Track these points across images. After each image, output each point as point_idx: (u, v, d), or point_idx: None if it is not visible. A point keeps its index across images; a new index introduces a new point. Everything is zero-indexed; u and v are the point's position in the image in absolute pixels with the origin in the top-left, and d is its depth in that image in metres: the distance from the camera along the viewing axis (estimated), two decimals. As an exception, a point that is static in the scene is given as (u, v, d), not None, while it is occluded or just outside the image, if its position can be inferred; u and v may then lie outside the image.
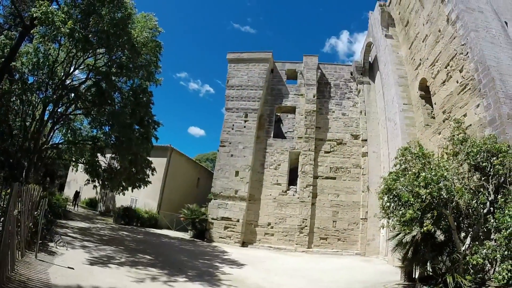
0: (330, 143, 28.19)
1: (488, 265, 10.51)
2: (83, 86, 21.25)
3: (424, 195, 10.10)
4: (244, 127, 27.75)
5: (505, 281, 9.63)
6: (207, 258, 16.84)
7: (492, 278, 9.75)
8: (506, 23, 18.73)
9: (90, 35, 17.68)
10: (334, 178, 27.06)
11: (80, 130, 24.56)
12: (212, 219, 25.54)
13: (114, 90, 20.48)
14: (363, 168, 27.14)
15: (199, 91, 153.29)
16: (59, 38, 17.68)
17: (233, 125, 28.00)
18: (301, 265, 18.41)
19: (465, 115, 15.92)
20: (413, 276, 13.21)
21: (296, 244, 24.76)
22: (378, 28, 25.52)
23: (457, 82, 16.77)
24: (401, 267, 13.95)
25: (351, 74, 31.13)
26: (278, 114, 34.25)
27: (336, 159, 27.72)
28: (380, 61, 26.04)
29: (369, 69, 30.51)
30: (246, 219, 25.90)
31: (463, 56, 16.25)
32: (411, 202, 10.39)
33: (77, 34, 16.31)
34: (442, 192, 10.11)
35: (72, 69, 19.80)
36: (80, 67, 20.30)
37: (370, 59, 30.75)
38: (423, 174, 10.42)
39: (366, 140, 27.80)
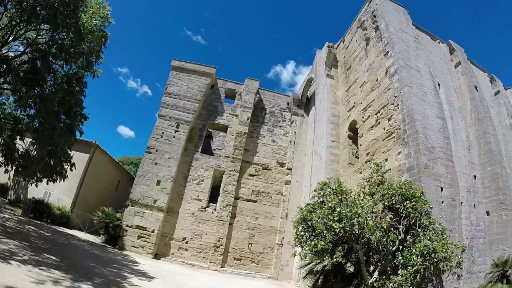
0: (256, 167, 28.57)
1: None
2: (18, 60, 18.86)
3: (338, 229, 10.63)
4: (174, 137, 26.37)
5: None
6: (116, 267, 15.58)
7: None
8: (438, 84, 21.72)
9: (38, 7, 16.22)
10: (255, 201, 27.36)
11: (4, 105, 21.01)
12: (127, 226, 23.17)
13: (49, 72, 18.16)
14: (284, 195, 27.97)
15: (136, 91, 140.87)
16: (6, 2, 16.29)
17: (163, 133, 26.36)
18: (213, 284, 17.79)
19: (386, 160, 17.51)
20: None
21: (210, 262, 23.94)
22: (322, 67, 27.15)
23: (384, 129, 18.47)
24: None
25: (288, 104, 32.51)
26: (210, 130, 33.60)
27: (259, 183, 28.07)
28: (318, 97, 27.52)
29: (305, 103, 32.19)
30: (162, 230, 24.24)
31: (393, 106, 18.03)
32: (324, 234, 10.85)
33: (25, 3, 15.33)
34: (354, 228, 10.74)
35: (11, 38, 18.09)
36: (20, 39, 18.82)
37: (308, 94, 32.45)
38: (339, 209, 11.01)
39: (291, 169, 28.88)
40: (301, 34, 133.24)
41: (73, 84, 19.27)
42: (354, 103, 22.63)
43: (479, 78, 27.63)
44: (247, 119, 28.80)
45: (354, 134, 22.45)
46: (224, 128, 29.85)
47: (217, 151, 33.35)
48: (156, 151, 25.64)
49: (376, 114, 19.60)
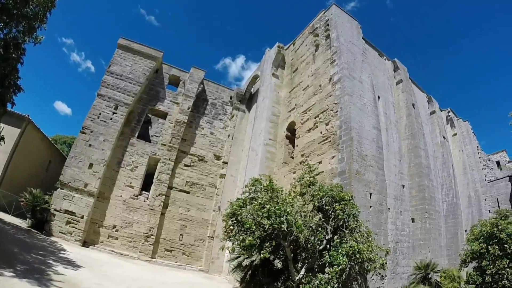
0: (192, 158, 28.21)
1: None
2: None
3: (266, 225, 10.89)
4: (111, 119, 24.89)
5: None
6: (42, 254, 14.76)
7: None
8: (379, 97, 22.85)
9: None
10: (188, 193, 26.99)
11: None
12: (55, 210, 21.43)
13: (-14, 34, 16.40)
14: (218, 189, 27.92)
15: (79, 65, 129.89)
16: None
17: (100, 114, 24.73)
18: (142, 275, 17.19)
19: (320, 162, 18.12)
20: None
21: (140, 252, 23.11)
22: (269, 66, 27.53)
23: (321, 133, 19.13)
24: None
25: (231, 98, 32.53)
26: (149, 116, 32.35)
27: (194, 174, 27.73)
28: (261, 95, 27.89)
29: (248, 99, 32.45)
30: (92, 217, 22.87)
31: (333, 112, 18.75)
32: (253, 229, 11.08)
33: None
34: (283, 225, 11.08)
35: None
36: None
37: (252, 90, 32.73)
38: (268, 206, 11.28)
39: (227, 163, 28.96)
40: (255, 30, 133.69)
41: (11, 50, 17.82)
42: (296, 104, 23.29)
43: (417, 97, 29.67)
44: (188, 109, 28.43)
45: (292, 134, 23.09)
46: (163, 115, 29.15)
47: (154, 138, 32.49)
48: (91, 132, 24.14)
49: (315, 118, 20.30)
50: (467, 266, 18.42)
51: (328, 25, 22.89)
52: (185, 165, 27.65)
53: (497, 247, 15.38)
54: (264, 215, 11.10)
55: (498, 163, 44.19)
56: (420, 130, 25.37)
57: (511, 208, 30.79)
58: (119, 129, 25.02)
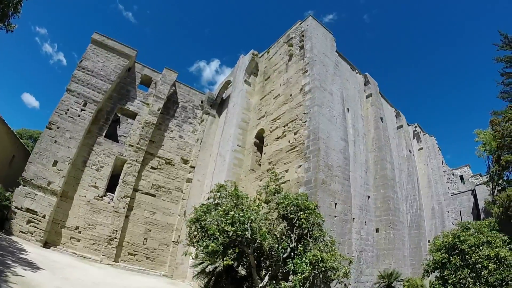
0: (159, 160, 27.76)
1: None
2: None
3: (230, 232, 10.87)
4: (79, 115, 24.04)
5: None
6: (0, 254, 14.14)
7: None
8: (348, 109, 23.30)
9: None
10: (154, 196, 26.46)
11: None
12: (16, 208, 20.31)
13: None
14: (184, 193, 27.56)
15: (50, 57, 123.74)
16: None
17: (68, 109, 23.83)
18: (104, 279, 16.72)
19: (287, 171, 18.30)
20: None
21: (103, 255, 22.34)
22: (242, 72, 27.63)
23: (289, 141, 19.35)
24: None
25: (202, 102, 32.34)
26: (119, 115, 31.51)
27: (160, 178, 27.27)
28: (232, 100, 27.95)
29: (219, 104, 32.38)
30: (54, 217, 21.89)
31: (302, 122, 19.02)
32: (217, 236, 11.02)
33: None
34: (246, 232, 11.10)
35: None
36: None
37: (224, 95, 32.74)
38: (232, 213, 11.31)
39: (194, 167, 28.67)
40: (233, 35, 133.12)
41: (-19, 36, 16.91)
42: (266, 112, 23.52)
43: (386, 112, 30.59)
44: (158, 110, 27.97)
45: (260, 142, 23.29)
46: (133, 115, 28.51)
47: (122, 138, 31.70)
48: (58, 128, 23.17)
49: (284, 127, 20.54)
50: (429, 276, 18.97)
51: (303, 36, 23.30)
52: (152, 168, 27.19)
53: (458, 257, 15.96)
54: (228, 221, 11.08)
55: (461, 177, 45.87)
56: (387, 143, 26.13)
57: (473, 220, 32.00)
58: (87, 127, 24.26)
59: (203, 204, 12.87)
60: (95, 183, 24.13)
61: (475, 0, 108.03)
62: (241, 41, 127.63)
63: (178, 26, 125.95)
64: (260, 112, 24.35)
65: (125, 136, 31.56)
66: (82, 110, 24.38)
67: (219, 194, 13.00)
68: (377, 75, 47.51)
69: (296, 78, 21.78)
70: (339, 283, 13.13)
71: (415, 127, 38.01)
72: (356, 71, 28.90)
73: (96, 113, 25.32)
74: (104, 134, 26.14)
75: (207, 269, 13.85)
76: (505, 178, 25.63)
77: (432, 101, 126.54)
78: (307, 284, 11.67)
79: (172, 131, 29.57)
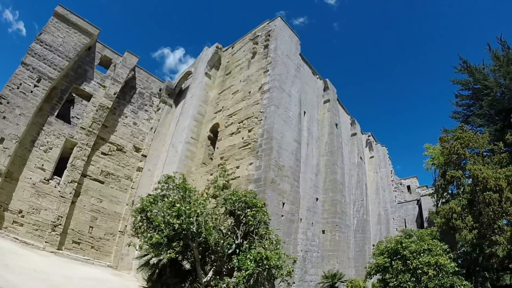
0: (111, 146, 26.62)
1: None
2: None
3: (176, 225, 10.76)
4: (31, 92, 22.31)
5: None
6: None
7: None
8: (304, 112, 23.65)
9: None
10: (103, 183, 25.33)
11: None
12: None
13: None
14: (134, 182, 26.69)
15: (9, 25, 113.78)
16: None
17: (20, 84, 22.00)
18: (46, 268, 15.81)
19: (238, 167, 18.36)
20: None
21: (46, 242, 20.96)
22: (204, 64, 27.27)
23: (243, 138, 19.41)
24: (147, 287, 13.80)
25: (160, 90, 31.45)
26: (73, 95, 29.76)
27: (110, 164, 26.18)
28: (190, 92, 27.51)
29: (177, 94, 31.69)
30: None
31: (257, 120, 19.14)
32: (162, 227, 10.87)
33: None
34: (192, 226, 11.03)
35: None
36: None
37: (183, 86, 32.05)
38: (178, 205, 11.22)
39: (146, 156, 27.87)
40: (201, 26, 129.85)
41: None
42: (223, 107, 23.44)
43: (342, 118, 31.55)
44: (114, 94, 26.81)
45: (214, 136, 23.13)
46: (88, 97, 27.07)
47: (75, 120, 30.16)
48: (8, 103, 21.51)
49: (239, 123, 20.58)
50: (372, 278, 19.79)
51: (269, 35, 23.41)
52: (103, 153, 26.08)
53: (400, 262, 16.77)
54: (174, 214, 10.93)
55: (409, 187, 48.34)
56: (340, 149, 26.93)
57: (417, 228, 33.74)
58: (39, 105, 22.66)
59: (150, 195, 12.61)
60: (42, 165, 22.64)
61: (436, 24, 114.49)
62: (209, 33, 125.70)
63: (148, 9, 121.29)
64: (217, 106, 24.19)
65: (78, 118, 29.91)
66: (35, 86, 22.76)
67: (167, 185, 12.81)
68: (337, 82, 49.00)
69: (257, 76, 21.86)
70: (283, 281, 13.33)
71: (369, 136, 39.52)
72: (317, 76, 29.50)
73: (50, 90, 23.75)
74: (56, 113, 24.62)
75: (151, 262, 13.57)
76: (449, 191, 27.11)
77: (388, 114, 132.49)
78: (251, 281, 11.78)
79: (126, 117, 28.55)
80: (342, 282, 20.12)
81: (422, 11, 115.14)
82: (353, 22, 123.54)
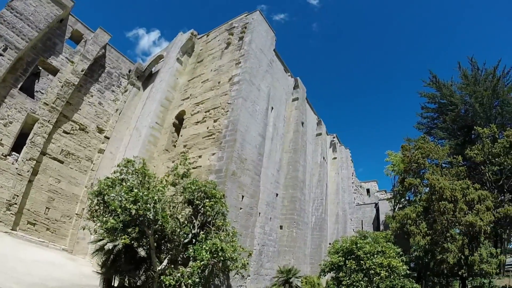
0: (73, 125, 25.47)
1: (184, 287, 11.62)
2: None
3: (132, 210, 10.50)
4: None
5: None
6: None
7: None
8: (272, 108, 23.68)
9: None
10: (62, 162, 24.22)
11: None
12: None
13: None
14: (94, 164, 25.78)
15: None
16: None
17: None
18: None
19: (200, 157, 18.23)
20: (112, 284, 12.98)
21: (0, 221, 19.67)
22: (177, 49, 26.67)
23: (208, 128, 19.29)
24: (101, 273, 13.36)
25: (129, 72, 30.47)
26: (40, 68, 28.11)
27: (72, 144, 25.04)
28: (160, 76, 26.93)
29: (147, 77, 30.82)
30: None
31: (223, 111, 19.05)
32: (118, 212, 10.55)
33: None
34: (148, 213, 10.76)
35: None
36: None
37: (153, 69, 31.22)
38: (136, 190, 10.90)
39: (109, 138, 26.97)
40: (180, 10, 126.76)
41: None
42: (191, 95, 23.14)
43: (309, 118, 31.99)
44: (82, 71, 25.65)
45: (179, 123, 22.81)
46: (54, 71, 25.59)
47: (38, 95, 28.51)
48: None
49: (205, 112, 20.43)
50: (326, 275, 20.23)
51: (245, 28, 23.27)
52: (65, 132, 24.95)
53: (354, 262, 17.23)
54: (131, 199, 10.60)
55: (368, 190, 49.98)
56: (304, 147, 27.34)
57: (373, 230, 34.94)
58: (2, 75, 21.15)
59: (108, 178, 12.17)
60: (1, 140, 21.19)
61: (411, 37, 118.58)
62: (187, 18, 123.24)
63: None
64: (185, 93, 23.81)
65: (42, 93, 28.20)
66: (0, 55, 21.38)
67: (126, 169, 12.42)
68: (308, 82, 49.58)
69: (228, 67, 21.71)
70: (238, 273, 13.38)
71: (334, 137, 40.39)
72: (289, 73, 29.68)
73: (15, 61, 22.19)
74: (19, 86, 23.11)
75: (106, 247, 13.12)
76: (407, 198, 28.22)
77: (355, 117, 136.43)
78: (206, 271, 11.79)
79: (92, 96, 27.42)
80: (296, 277, 20.42)
81: (401, 22, 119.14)
82: (332, 24, 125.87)
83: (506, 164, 23.12)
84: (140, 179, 12.20)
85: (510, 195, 26.04)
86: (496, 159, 23.67)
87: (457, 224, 19.76)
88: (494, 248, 21.86)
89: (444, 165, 26.12)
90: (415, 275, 22.54)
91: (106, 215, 11.06)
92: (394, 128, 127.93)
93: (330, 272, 19.50)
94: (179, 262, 12.88)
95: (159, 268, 11.78)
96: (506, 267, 28.52)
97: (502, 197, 23.86)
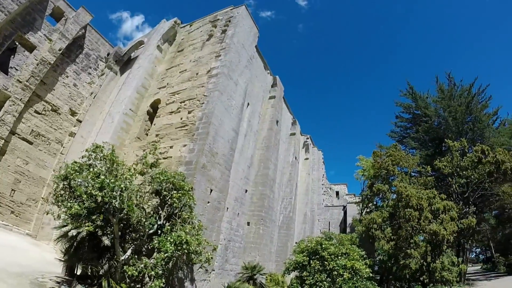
0: (46, 106, 24.27)
1: (147, 278, 11.42)
2: None
3: (98, 197, 10.24)
4: None
5: None
6: None
7: None
8: (248, 104, 23.60)
9: None
10: (31, 143, 23.05)
11: None
12: None
13: None
14: (64, 147, 24.70)
15: None
16: None
17: None
18: None
19: (171, 147, 18.02)
20: (75, 272, 12.69)
21: None
22: (158, 37, 26.16)
23: (181, 119, 19.07)
24: (63, 260, 12.93)
25: (108, 55, 29.45)
26: (16, 43, 26.69)
27: (42, 125, 23.90)
28: (138, 62, 26.32)
29: (125, 62, 29.93)
30: None
31: (199, 103, 18.90)
32: (84, 198, 10.26)
33: None
34: (114, 201, 10.51)
35: None
36: None
37: (133, 55, 30.37)
38: (103, 177, 10.64)
39: (81, 121, 25.95)
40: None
41: None
42: (167, 84, 22.77)
43: (284, 117, 32.19)
44: (59, 50, 24.52)
45: (154, 112, 22.43)
46: (31, 48, 24.54)
47: (13, 71, 27.22)
48: None
49: (181, 103, 20.16)
50: (290, 274, 20.41)
51: (229, 21, 23.13)
52: (36, 112, 23.76)
53: (318, 262, 17.43)
54: (97, 185, 10.30)
55: (337, 193, 50.89)
56: (276, 145, 27.50)
57: (339, 232, 35.59)
58: None
59: (75, 162, 11.78)
60: None
61: (391, 47, 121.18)
62: (173, 5, 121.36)
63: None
64: (162, 81, 23.41)
65: (16, 69, 26.82)
66: None
67: (94, 154, 12.01)
68: (287, 81, 49.91)
69: (208, 59, 21.52)
70: (202, 267, 13.33)
71: (307, 138, 40.83)
72: (268, 71, 29.73)
73: None
74: None
75: (70, 234, 12.71)
76: (375, 203, 28.84)
77: (331, 120, 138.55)
78: (170, 264, 11.68)
79: (67, 76, 26.22)
80: (261, 274, 20.57)
81: (386, 32, 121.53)
82: (318, 27, 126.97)
83: (473, 178, 24.01)
84: (108, 166, 11.86)
85: (475, 208, 27.09)
86: (464, 172, 24.55)
87: (421, 231, 20.33)
88: (456, 257, 22.65)
89: (413, 173, 26.85)
90: (378, 278, 23.09)
91: (71, 201, 10.71)
92: (368, 134, 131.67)
93: (294, 271, 19.69)
94: (144, 253, 12.67)
95: (123, 258, 11.53)
96: (467, 275, 29.76)
97: (467, 209, 24.77)
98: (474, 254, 76.29)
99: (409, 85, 36.96)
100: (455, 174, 25.47)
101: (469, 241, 27.75)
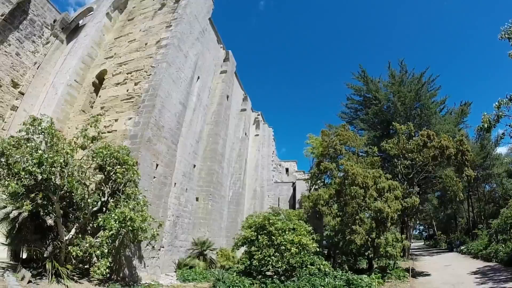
0: None
1: (95, 258, 10.95)
2: None
3: (38, 174, 9.61)
4: None
5: (105, 275, 10.66)
6: None
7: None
8: (198, 77, 22.90)
9: None
10: None
11: None
12: None
13: None
14: (6, 122, 22.42)
15: None
16: None
17: None
18: None
19: (116, 120, 17.32)
20: (21, 256, 11.93)
21: None
22: (108, 3, 24.46)
23: (127, 91, 18.32)
24: (6, 244, 11.97)
25: (54, 22, 26.52)
26: None
27: None
28: (85, 30, 24.57)
29: (72, 30, 27.19)
30: None
31: (146, 74, 18.21)
32: (22, 176, 9.58)
33: None
34: (53, 177, 9.99)
35: None
36: None
37: (81, 22, 27.83)
38: (41, 152, 9.98)
39: (24, 94, 23.46)
40: None
41: None
42: (115, 54, 21.66)
43: (235, 92, 31.91)
44: (2, 15, 22.17)
45: (99, 83, 21.30)
46: None
47: None
48: None
49: (127, 74, 19.34)
50: (239, 249, 20.68)
51: (184, -9, 22.03)
52: None
53: (266, 237, 17.65)
54: (35, 161, 9.56)
55: (287, 169, 52.08)
56: (226, 121, 27.40)
57: (289, 208, 36.46)
58: None
59: (12, 137, 10.84)
60: None
61: (349, 31, 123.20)
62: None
63: None
64: (109, 51, 22.16)
65: None
66: None
67: (32, 128, 11.08)
68: (241, 57, 49.43)
69: (158, 29, 20.67)
70: (149, 244, 13.06)
71: (258, 115, 41.03)
72: (222, 45, 29.11)
73: None
74: None
75: (11, 215, 11.83)
76: (323, 180, 29.62)
77: (284, 99, 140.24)
78: (117, 242, 11.39)
79: (10, 45, 23.51)
80: (211, 250, 20.77)
81: (349, 15, 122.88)
82: (279, 7, 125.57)
83: (418, 161, 25.15)
84: (47, 140, 11.04)
85: (418, 189, 28.72)
86: (409, 154, 25.66)
87: (366, 208, 21.19)
88: (400, 234, 24.08)
89: (360, 153, 27.79)
90: (325, 253, 24.04)
91: (9, 179, 9.88)
92: (319, 114, 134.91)
93: (243, 246, 19.96)
94: (89, 232, 12.20)
95: (66, 238, 10.94)
96: (411, 251, 31.97)
97: (411, 189, 25.92)
98: (418, 231, 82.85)
99: (361, 69, 37.98)
100: (401, 156, 26.52)
101: (412, 219, 29.42)
